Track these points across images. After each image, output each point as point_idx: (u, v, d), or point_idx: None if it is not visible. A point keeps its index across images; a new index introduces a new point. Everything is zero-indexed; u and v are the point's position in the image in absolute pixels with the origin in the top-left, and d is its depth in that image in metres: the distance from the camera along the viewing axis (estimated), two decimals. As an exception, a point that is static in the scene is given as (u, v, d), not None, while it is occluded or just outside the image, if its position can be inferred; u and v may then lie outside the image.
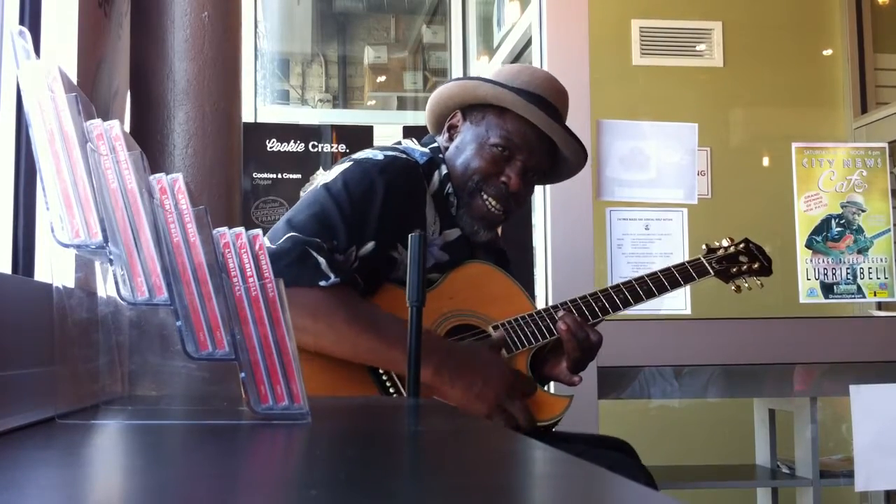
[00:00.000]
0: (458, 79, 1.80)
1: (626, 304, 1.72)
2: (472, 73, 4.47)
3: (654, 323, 2.47)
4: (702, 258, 1.82)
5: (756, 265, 1.84)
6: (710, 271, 1.80)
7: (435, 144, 1.77)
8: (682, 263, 1.80)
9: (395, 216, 1.58)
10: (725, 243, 1.86)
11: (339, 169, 1.64)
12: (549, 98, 1.72)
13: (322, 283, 1.48)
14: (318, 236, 1.52)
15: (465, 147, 1.72)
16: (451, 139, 1.76)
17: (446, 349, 1.55)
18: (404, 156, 1.68)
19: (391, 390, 1.58)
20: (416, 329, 1.29)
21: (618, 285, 1.74)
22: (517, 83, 1.71)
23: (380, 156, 1.65)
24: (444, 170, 1.72)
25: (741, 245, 1.86)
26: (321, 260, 1.49)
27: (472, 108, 1.75)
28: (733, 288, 1.83)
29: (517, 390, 1.57)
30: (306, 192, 1.68)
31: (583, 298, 1.71)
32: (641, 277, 1.75)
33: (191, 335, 0.80)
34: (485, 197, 1.70)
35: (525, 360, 1.66)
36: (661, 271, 1.76)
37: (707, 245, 1.86)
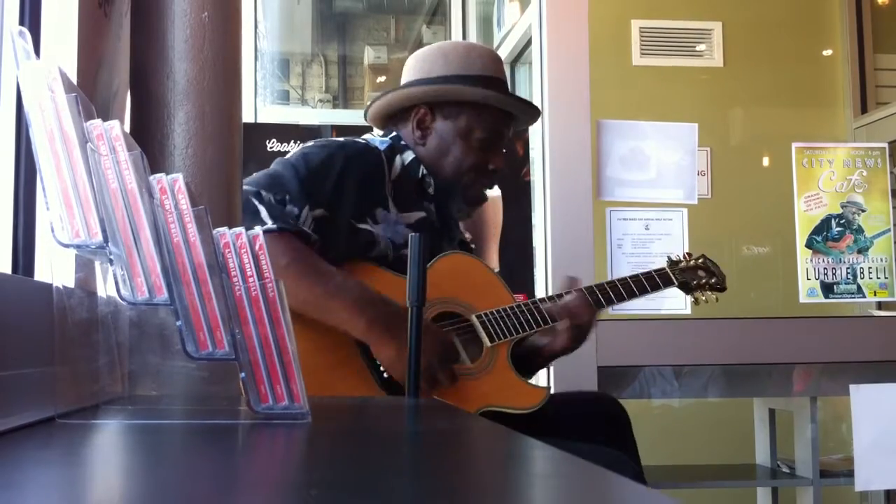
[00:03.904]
0: (420, 81, 1.83)
1: (599, 306, 1.79)
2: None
3: (654, 323, 2.47)
4: (667, 269, 1.91)
5: (713, 279, 1.92)
6: (675, 282, 1.89)
7: (394, 134, 1.84)
8: (650, 272, 1.88)
9: (353, 190, 1.66)
10: (684, 258, 1.95)
11: (299, 147, 1.76)
12: (502, 76, 1.86)
13: (258, 228, 1.51)
14: (267, 190, 1.60)
15: (448, 145, 1.80)
16: (423, 136, 1.82)
17: (383, 307, 1.59)
18: (363, 142, 1.79)
19: (381, 369, 1.63)
20: (415, 329, 1.29)
21: (591, 287, 1.81)
22: (475, 69, 1.81)
23: (340, 139, 1.79)
24: (408, 156, 1.80)
25: (700, 260, 1.94)
26: (261, 208, 1.56)
27: (439, 104, 1.81)
28: (692, 300, 1.93)
29: (447, 358, 1.64)
30: None
31: (559, 296, 1.78)
32: (612, 282, 1.83)
33: (191, 335, 0.80)
34: (478, 187, 1.83)
35: (506, 349, 1.72)
36: (630, 277, 1.85)
37: (669, 257, 1.94)
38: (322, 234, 1.63)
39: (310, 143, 1.76)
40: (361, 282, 1.62)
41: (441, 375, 1.61)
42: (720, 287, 1.92)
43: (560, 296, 1.78)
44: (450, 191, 1.81)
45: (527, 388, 1.73)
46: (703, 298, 1.92)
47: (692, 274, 1.90)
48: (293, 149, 2.82)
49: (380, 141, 1.81)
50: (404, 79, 1.87)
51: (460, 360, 1.69)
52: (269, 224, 1.55)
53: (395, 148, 1.80)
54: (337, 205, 1.65)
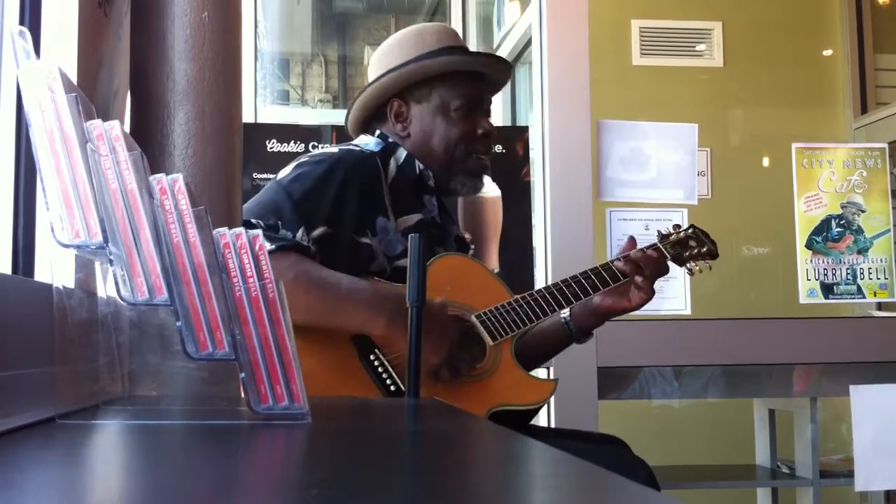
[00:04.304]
0: (384, 75, 1.82)
1: (595, 290, 1.77)
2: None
3: (654, 323, 2.47)
4: (659, 244, 1.86)
5: (704, 249, 1.89)
6: (668, 256, 1.86)
7: (380, 132, 1.83)
8: (642, 249, 1.84)
9: (353, 203, 1.65)
10: (673, 230, 1.91)
11: (293, 164, 1.73)
12: (458, 44, 1.86)
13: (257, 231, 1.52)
14: (258, 218, 1.59)
15: (432, 126, 1.80)
16: (404, 128, 1.82)
17: (399, 301, 1.56)
18: (358, 149, 1.76)
19: (388, 383, 1.60)
20: (415, 329, 1.29)
21: (586, 272, 1.78)
22: (432, 46, 1.81)
23: (335, 149, 1.76)
24: (402, 155, 1.79)
25: (689, 230, 1.91)
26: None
27: (411, 90, 1.81)
28: (686, 271, 1.90)
29: (467, 342, 1.64)
30: None
31: (564, 281, 1.76)
32: (606, 263, 1.80)
33: (191, 335, 0.80)
34: (475, 155, 1.82)
35: (509, 346, 1.71)
36: (622, 256, 1.81)
37: (659, 231, 1.91)
38: (324, 251, 1.61)
39: (305, 158, 1.73)
40: (369, 280, 1.61)
41: (462, 365, 1.62)
42: (712, 255, 1.90)
43: (619, 260, 1.78)
44: (448, 171, 1.80)
45: (534, 383, 1.74)
46: (697, 268, 1.90)
47: (683, 246, 1.88)
48: (293, 149, 2.83)
49: (374, 143, 1.80)
50: (370, 79, 1.87)
51: (479, 348, 1.69)
52: (269, 246, 1.51)
53: (388, 148, 1.79)
54: (339, 220, 1.63)
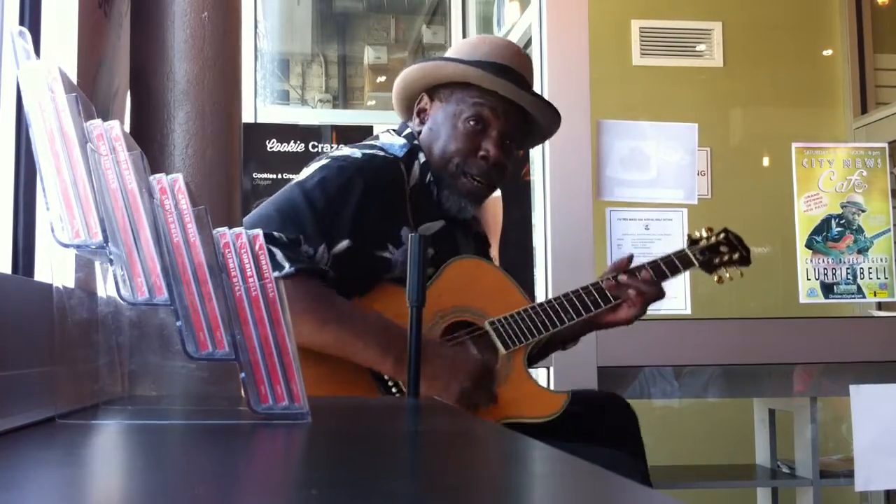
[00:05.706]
0: (420, 62, 1.77)
1: (617, 298, 1.73)
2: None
3: (654, 323, 2.47)
4: (686, 250, 1.81)
5: (736, 255, 1.83)
6: (695, 262, 1.80)
7: (409, 131, 1.75)
8: (669, 255, 1.79)
9: (374, 216, 1.58)
10: (705, 234, 1.85)
11: (315, 166, 1.64)
12: (511, 65, 1.71)
13: (275, 274, 1.47)
14: (280, 230, 1.51)
15: (438, 129, 1.71)
16: (422, 123, 1.74)
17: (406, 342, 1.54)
18: (382, 153, 1.67)
19: (391, 387, 1.58)
20: (416, 329, 1.29)
21: (599, 282, 1.75)
22: (478, 56, 1.70)
23: (358, 154, 1.65)
24: (422, 158, 1.71)
25: (721, 235, 1.84)
26: (276, 251, 1.46)
27: (438, 88, 1.73)
28: (716, 279, 1.83)
29: (482, 378, 1.56)
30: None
31: (584, 289, 1.72)
32: (631, 271, 1.75)
33: (191, 335, 0.80)
34: (468, 176, 1.69)
35: (522, 355, 1.66)
36: (648, 263, 1.76)
37: (689, 236, 1.85)
38: (342, 265, 1.55)
39: (327, 161, 1.63)
40: (381, 315, 1.54)
41: (480, 399, 1.55)
42: (745, 262, 1.82)
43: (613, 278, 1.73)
44: (438, 182, 1.69)
45: (546, 396, 1.67)
46: (728, 276, 1.81)
47: (714, 252, 1.80)
48: (293, 149, 2.83)
49: (399, 146, 1.71)
50: None
51: (496, 378, 1.61)
52: (287, 268, 1.46)
53: (413, 150, 1.71)
54: (359, 234, 1.56)
